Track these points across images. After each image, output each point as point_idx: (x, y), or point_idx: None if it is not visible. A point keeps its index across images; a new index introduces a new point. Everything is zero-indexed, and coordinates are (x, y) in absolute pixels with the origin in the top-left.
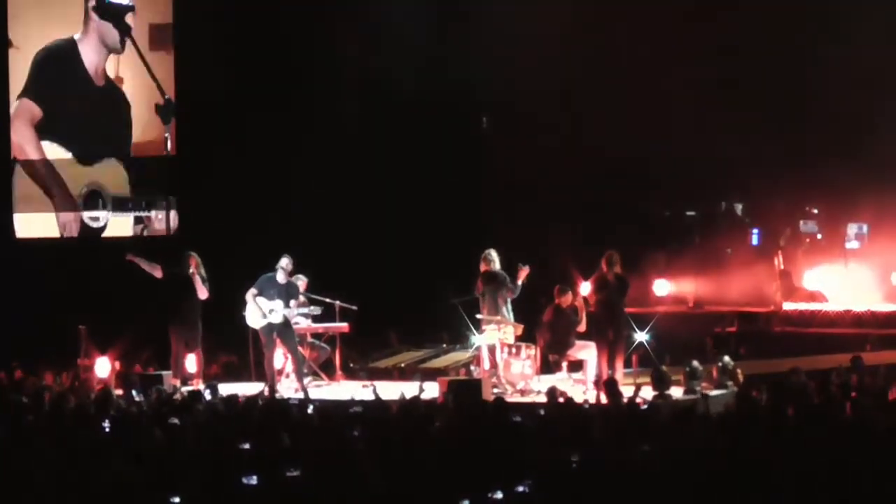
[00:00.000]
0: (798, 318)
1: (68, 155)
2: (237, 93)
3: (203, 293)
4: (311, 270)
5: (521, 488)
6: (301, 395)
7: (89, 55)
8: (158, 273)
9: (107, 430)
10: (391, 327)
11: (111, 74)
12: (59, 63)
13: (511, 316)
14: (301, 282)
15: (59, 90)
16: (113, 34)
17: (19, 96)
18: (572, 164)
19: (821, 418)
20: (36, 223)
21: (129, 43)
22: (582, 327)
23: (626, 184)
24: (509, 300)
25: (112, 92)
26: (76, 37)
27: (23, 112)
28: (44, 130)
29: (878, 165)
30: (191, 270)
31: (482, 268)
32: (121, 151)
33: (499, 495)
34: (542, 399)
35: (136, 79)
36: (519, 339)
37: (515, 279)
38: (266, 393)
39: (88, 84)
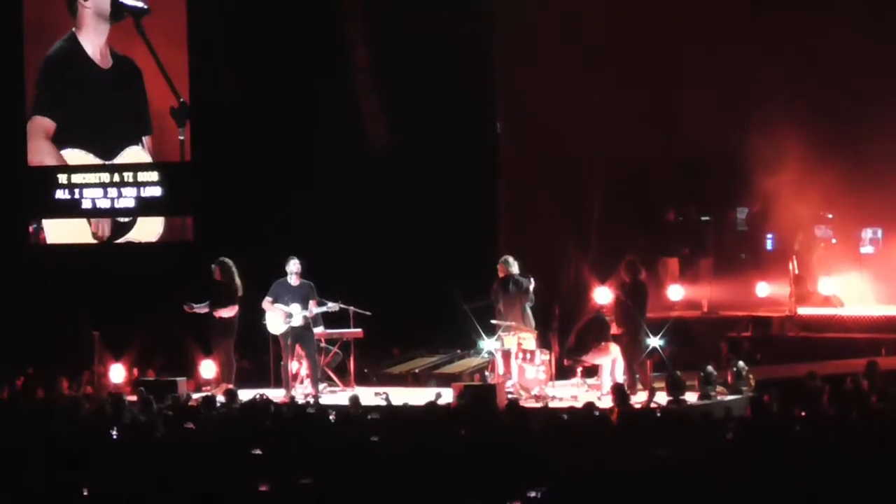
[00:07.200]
0: (813, 322)
1: (90, 157)
2: (250, 96)
3: (226, 311)
4: (325, 276)
5: (534, 494)
6: (312, 400)
7: (88, 41)
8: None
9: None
10: (403, 333)
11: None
12: (61, 66)
13: (532, 321)
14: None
15: (67, 93)
16: (103, 6)
17: (31, 114)
18: (586, 169)
19: (834, 423)
20: (66, 229)
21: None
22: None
23: (640, 189)
24: (528, 306)
25: (120, 69)
26: (74, 29)
27: (36, 129)
28: (61, 140)
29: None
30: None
31: (500, 273)
32: (140, 132)
33: None
34: (557, 405)
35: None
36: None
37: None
38: (284, 399)
39: (94, 71)
